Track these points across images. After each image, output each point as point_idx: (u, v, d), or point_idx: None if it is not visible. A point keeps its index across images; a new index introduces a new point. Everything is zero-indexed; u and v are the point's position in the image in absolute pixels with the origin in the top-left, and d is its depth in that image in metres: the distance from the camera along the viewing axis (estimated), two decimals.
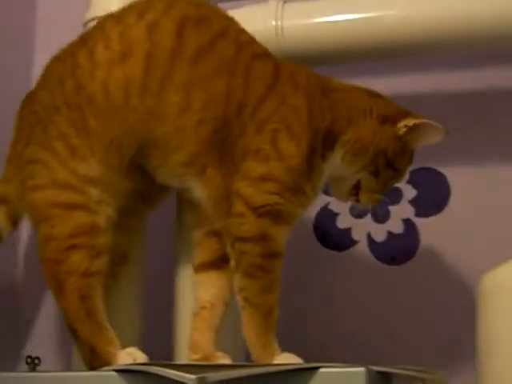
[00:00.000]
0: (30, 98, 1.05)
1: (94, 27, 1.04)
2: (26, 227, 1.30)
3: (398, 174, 1.02)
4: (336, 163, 0.98)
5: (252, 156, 0.94)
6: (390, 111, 1.00)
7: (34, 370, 1.12)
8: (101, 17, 1.10)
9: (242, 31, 1.01)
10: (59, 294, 0.96)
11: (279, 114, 0.95)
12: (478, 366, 1.00)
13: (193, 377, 0.79)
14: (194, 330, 0.99)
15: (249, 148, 0.94)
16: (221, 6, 1.13)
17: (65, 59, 1.02)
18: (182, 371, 0.81)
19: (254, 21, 1.14)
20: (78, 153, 0.97)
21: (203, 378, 0.80)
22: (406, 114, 1.00)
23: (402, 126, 0.98)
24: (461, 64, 1.26)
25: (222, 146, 0.95)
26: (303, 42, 1.15)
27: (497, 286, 1.01)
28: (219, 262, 1.01)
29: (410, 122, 0.98)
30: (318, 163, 0.97)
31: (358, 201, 1.03)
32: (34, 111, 1.02)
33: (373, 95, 1.02)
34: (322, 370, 0.85)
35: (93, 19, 1.16)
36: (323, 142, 0.97)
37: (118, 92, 0.96)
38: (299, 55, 1.13)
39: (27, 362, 1.12)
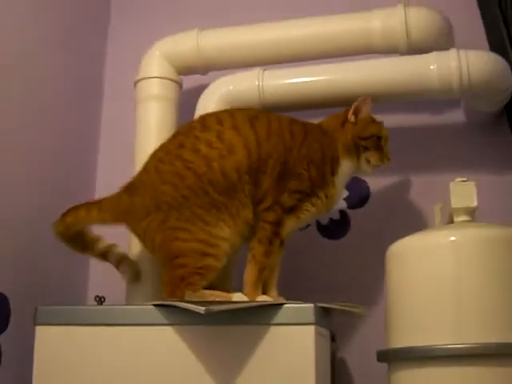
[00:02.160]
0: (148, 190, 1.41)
1: (176, 135, 1.47)
2: None
3: (376, 136, 1.48)
4: (345, 169, 1.47)
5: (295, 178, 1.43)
6: (340, 117, 1.49)
7: (101, 305, 1.49)
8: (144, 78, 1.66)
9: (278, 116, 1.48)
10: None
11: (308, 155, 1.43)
12: (387, 304, 1.41)
13: (202, 308, 1.21)
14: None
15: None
16: (218, 73, 1.66)
17: (166, 160, 1.42)
18: (197, 305, 1.22)
19: (244, 82, 1.64)
20: (211, 223, 1.36)
21: (209, 308, 1.22)
22: (346, 111, 1.48)
23: (350, 115, 1.48)
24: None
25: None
26: (278, 96, 1.62)
27: (399, 252, 1.40)
28: None
29: (351, 110, 1.47)
30: (329, 178, 1.44)
31: (376, 165, 1.48)
32: (165, 201, 1.37)
33: (329, 120, 1.53)
34: (285, 306, 1.28)
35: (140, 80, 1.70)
36: (331, 165, 1.45)
37: (234, 174, 1.38)
38: (276, 104, 1.61)
39: (95, 300, 1.50)
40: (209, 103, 1.64)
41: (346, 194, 1.75)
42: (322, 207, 1.47)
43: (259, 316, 1.30)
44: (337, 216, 1.77)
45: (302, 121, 1.50)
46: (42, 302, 1.45)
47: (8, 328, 1.52)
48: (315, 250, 1.77)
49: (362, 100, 1.48)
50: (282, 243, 1.45)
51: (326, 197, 1.46)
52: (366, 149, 1.48)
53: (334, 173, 1.46)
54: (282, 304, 1.30)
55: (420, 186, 1.75)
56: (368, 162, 1.49)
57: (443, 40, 1.62)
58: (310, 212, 1.45)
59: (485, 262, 1.30)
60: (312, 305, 1.30)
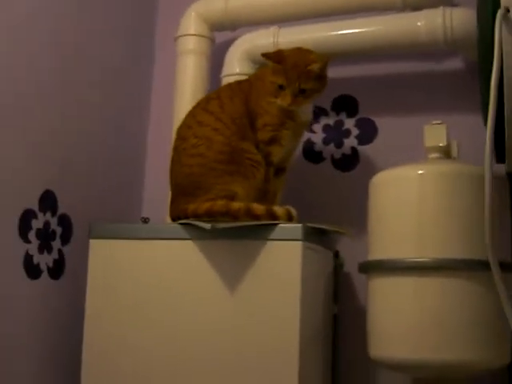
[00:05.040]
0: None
1: (190, 114, 1.78)
2: None
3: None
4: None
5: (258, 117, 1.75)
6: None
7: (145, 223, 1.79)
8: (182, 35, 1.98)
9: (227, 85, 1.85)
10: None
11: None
12: (368, 225, 1.67)
13: (208, 225, 1.57)
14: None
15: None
16: (247, 29, 1.97)
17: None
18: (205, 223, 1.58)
19: (261, 39, 1.94)
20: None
21: (214, 225, 1.57)
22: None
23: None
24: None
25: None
26: None
27: (378, 182, 1.66)
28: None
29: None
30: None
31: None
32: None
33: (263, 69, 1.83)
34: (279, 225, 1.59)
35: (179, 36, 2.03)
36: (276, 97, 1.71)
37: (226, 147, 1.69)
38: None
39: (141, 220, 1.79)
40: (233, 59, 1.98)
41: (356, 132, 2.04)
42: (296, 128, 1.77)
43: (256, 232, 1.62)
44: (348, 151, 2.05)
45: (246, 77, 1.87)
46: (101, 219, 1.83)
47: (70, 241, 1.90)
48: (330, 181, 2.06)
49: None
50: (281, 171, 1.79)
51: (294, 119, 1.74)
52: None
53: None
54: (277, 223, 1.62)
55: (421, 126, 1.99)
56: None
57: None
58: (289, 135, 1.76)
59: (444, 192, 1.57)
60: (300, 224, 1.61)
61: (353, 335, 1.92)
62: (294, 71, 1.68)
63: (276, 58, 1.71)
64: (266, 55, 1.73)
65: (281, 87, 1.70)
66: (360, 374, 1.93)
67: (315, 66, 1.69)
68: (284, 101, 1.69)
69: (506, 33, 1.23)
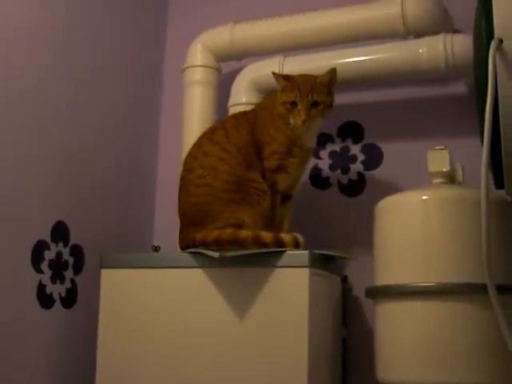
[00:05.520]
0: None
1: (195, 145, 1.82)
2: None
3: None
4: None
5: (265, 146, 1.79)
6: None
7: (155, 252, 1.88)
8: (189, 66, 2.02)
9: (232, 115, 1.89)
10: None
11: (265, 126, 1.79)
12: (376, 254, 1.68)
13: (216, 254, 1.61)
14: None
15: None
16: (252, 59, 2.01)
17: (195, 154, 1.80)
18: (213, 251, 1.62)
19: (267, 68, 1.95)
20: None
21: (222, 253, 1.60)
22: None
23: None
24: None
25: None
26: None
27: (383, 207, 1.68)
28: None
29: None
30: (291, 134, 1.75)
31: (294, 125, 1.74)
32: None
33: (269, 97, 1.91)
34: (286, 252, 1.63)
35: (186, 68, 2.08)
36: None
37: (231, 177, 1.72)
38: None
39: (152, 249, 1.87)
40: (239, 89, 2.03)
41: (362, 157, 2.08)
42: (302, 156, 1.81)
43: (264, 260, 1.65)
44: (355, 177, 2.08)
45: (252, 108, 1.92)
46: (112, 248, 1.86)
47: (82, 271, 1.94)
48: (337, 207, 2.09)
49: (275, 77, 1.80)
50: (288, 198, 1.82)
51: (300, 146, 1.78)
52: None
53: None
54: (284, 251, 1.65)
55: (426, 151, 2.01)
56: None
57: (439, 25, 1.88)
58: (295, 164, 1.79)
59: (447, 217, 1.59)
60: (307, 251, 1.64)
61: (362, 358, 1.93)
62: (306, 85, 1.74)
63: (286, 77, 1.78)
64: (277, 74, 1.80)
65: (293, 104, 1.74)
66: None
67: (325, 77, 1.76)
68: (297, 118, 1.73)
69: (500, 63, 1.25)
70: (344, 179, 2.09)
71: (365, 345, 1.90)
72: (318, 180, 2.12)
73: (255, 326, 1.65)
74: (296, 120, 1.74)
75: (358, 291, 1.97)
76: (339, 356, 1.87)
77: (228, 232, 1.66)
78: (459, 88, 2.02)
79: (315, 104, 1.74)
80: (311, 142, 1.82)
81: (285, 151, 1.78)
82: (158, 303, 1.74)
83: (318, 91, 1.74)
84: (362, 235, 1.99)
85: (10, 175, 1.69)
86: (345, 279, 1.95)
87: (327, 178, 2.11)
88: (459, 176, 1.74)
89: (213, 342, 1.67)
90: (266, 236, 1.66)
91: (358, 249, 1.99)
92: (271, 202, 1.77)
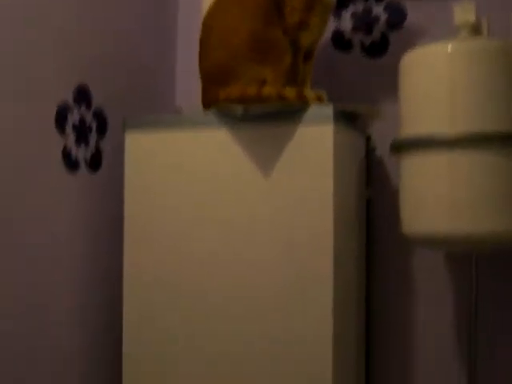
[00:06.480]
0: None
1: (215, 5, 1.76)
2: None
3: None
4: None
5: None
6: None
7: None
8: None
9: None
10: None
11: None
12: (401, 109, 1.68)
13: (240, 109, 1.64)
14: None
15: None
16: None
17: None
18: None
19: None
20: None
21: (246, 108, 1.64)
22: None
23: None
24: None
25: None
26: None
27: (410, 61, 1.66)
28: None
29: None
30: None
31: None
32: None
33: None
34: (311, 107, 1.61)
35: None
36: None
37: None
38: None
39: (176, 110, 1.94)
40: None
41: (385, 16, 2.03)
42: (323, 13, 1.77)
43: (287, 116, 1.65)
44: (378, 38, 2.04)
45: None
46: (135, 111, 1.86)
47: (106, 136, 1.94)
48: (360, 68, 2.06)
49: None
50: (309, 57, 1.80)
51: (321, 2, 1.74)
52: None
53: None
54: (308, 106, 1.64)
55: (450, 11, 1.96)
56: None
57: None
58: (316, 22, 1.76)
59: (475, 68, 1.57)
60: (331, 105, 1.62)
61: (386, 218, 1.95)
62: None
63: None
64: None
65: None
66: (393, 255, 1.98)
67: None
68: None
69: None
70: (367, 40, 2.05)
71: (389, 204, 1.92)
72: (340, 42, 2.08)
73: (279, 185, 1.66)
74: None
75: (382, 151, 1.97)
76: (364, 216, 1.89)
77: (251, 89, 1.65)
78: None
79: None
80: None
81: (305, 7, 1.74)
82: (181, 166, 1.75)
83: None
84: (385, 97, 1.98)
85: (32, 35, 1.66)
86: (368, 139, 1.94)
87: (349, 40, 2.07)
88: (484, 29, 1.70)
89: (237, 202, 1.69)
90: (290, 91, 1.64)
91: (381, 110, 1.98)
92: (293, 59, 1.74)
